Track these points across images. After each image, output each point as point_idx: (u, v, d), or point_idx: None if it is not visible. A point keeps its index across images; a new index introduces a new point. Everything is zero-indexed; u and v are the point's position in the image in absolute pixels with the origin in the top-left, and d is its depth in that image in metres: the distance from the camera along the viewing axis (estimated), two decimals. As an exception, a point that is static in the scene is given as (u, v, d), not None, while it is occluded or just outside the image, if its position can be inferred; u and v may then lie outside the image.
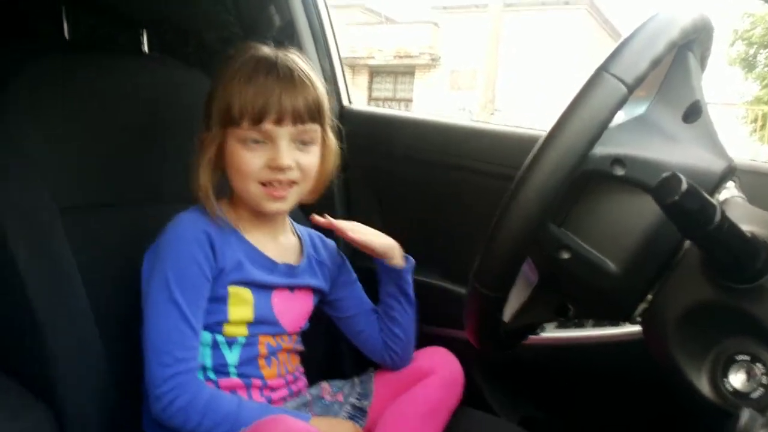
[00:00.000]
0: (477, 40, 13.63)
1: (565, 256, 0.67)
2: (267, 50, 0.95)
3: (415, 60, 16.00)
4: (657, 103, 0.68)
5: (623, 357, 1.13)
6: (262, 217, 0.99)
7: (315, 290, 1.07)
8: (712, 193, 0.68)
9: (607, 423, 1.27)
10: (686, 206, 0.55)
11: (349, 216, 1.43)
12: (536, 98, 14.61)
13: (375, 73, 16.97)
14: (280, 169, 0.91)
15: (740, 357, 0.64)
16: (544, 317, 0.81)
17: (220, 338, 0.95)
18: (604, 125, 0.59)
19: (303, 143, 0.93)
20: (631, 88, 0.60)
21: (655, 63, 0.61)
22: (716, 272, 0.63)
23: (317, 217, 1.05)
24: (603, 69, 0.60)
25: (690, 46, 0.68)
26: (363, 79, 16.79)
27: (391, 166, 1.39)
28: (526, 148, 1.27)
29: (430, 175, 1.34)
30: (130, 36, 1.27)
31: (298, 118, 0.91)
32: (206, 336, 0.94)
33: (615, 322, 1.10)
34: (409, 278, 1.08)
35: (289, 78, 0.91)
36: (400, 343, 1.08)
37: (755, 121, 12.73)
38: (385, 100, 16.66)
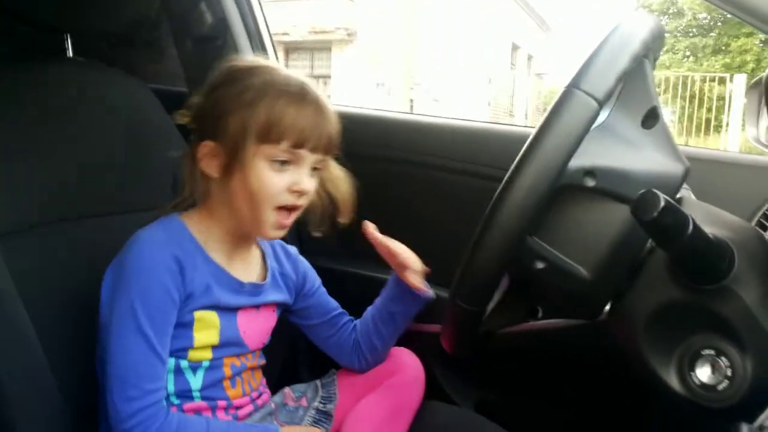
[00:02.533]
0: (393, 14, 13.61)
1: (540, 266, 0.69)
2: (294, 74, 0.94)
3: (331, 35, 15.81)
4: (617, 111, 0.70)
5: (573, 339, 1.18)
6: (235, 236, 0.96)
7: (278, 304, 1.05)
8: (674, 196, 0.71)
9: (558, 400, 1.33)
10: (663, 221, 0.57)
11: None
12: (454, 69, 14.81)
13: (291, 49, 16.69)
14: (302, 193, 0.91)
15: (705, 351, 0.68)
16: (513, 320, 0.83)
17: (183, 363, 0.92)
18: (578, 141, 0.61)
19: (314, 170, 0.93)
20: (602, 103, 0.62)
21: (622, 77, 0.63)
22: (683, 274, 0.66)
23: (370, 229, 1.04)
24: (573, 86, 0.62)
25: (647, 54, 0.70)
26: (279, 56, 16.48)
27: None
28: (480, 142, 1.32)
29: (393, 172, 1.34)
30: (54, 41, 1.19)
31: (326, 149, 0.92)
32: (169, 362, 0.91)
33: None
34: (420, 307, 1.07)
35: (328, 110, 0.92)
36: (375, 353, 1.08)
37: (659, 85, 13.39)
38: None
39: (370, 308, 1.10)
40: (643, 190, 0.58)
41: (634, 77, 0.69)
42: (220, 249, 0.95)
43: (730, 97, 11.76)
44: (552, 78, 17.34)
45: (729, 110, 11.66)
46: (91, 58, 1.34)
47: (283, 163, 0.89)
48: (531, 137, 0.62)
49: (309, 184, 0.91)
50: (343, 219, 1.00)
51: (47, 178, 1.02)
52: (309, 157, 0.91)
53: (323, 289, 1.12)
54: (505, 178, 0.63)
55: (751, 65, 14.96)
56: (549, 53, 19.91)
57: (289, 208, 0.92)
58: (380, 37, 15.30)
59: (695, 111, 12.19)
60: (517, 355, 1.28)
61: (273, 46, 1.48)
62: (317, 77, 16.20)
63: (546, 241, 0.68)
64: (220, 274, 0.94)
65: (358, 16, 15.74)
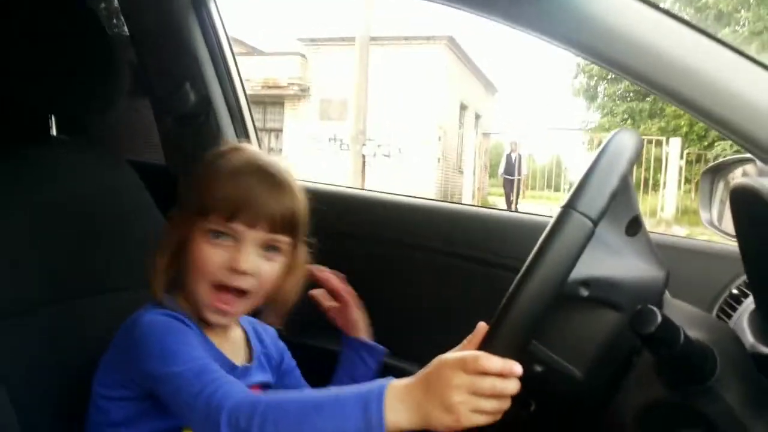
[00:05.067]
0: (346, 72, 13.89)
1: (539, 368, 0.73)
2: (254, 149, 0.93)
3: (284, 90, 15.99)
4: (605, 223, 0.75)
5: None
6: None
7: (263, 385, 1.05)
8: (659, 301, 0.76)
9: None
10: (659, 335, 0.62)
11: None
12: (405, 126, 15.13)
13: (243, 103, 16.72)
14: (239, 272, 0.86)
15: None
16: (506, 413, 0.86)
17: None
18: (576, 258, 0.66)
19: (268, 252, 0.90)
20: (596, 223, 0.67)
21: (613, 196, 0.68)
22: (669, 375, 0.71)
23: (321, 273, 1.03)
24: (570, 206, 0.67)
25: (631, 170, 0.76)
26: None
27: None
28: (461, 224, 1.37)
29: (359, 250, 1.37)
30: (38, 119, 1.20)
31: (271, 225, 0.88)
32: None
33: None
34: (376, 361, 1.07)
35: (273, 181, 0.88)
36: None
37: (598, 145, 13.93)
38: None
39: (333, 382, 1.08)
40: (640, 306, 0.63)
41: (620, 193, 0.75)
42: (212, 331, 0.94)
43: (666, 159, 12.37)
44: (497, 137, 17.87)
45: (666, 171, 12.25)
46: (71, 131, 1.35)
47: (220, 236, 0.86)
48: (533, 254, 0.67)
49: (250, 263, 0.87)
50: (275, 316, 0.98)
51: (29, 262, 1.02)
52: (249, 234, 0.87)
53: (298, 371, 1.11)
54: (509, 292, 0.67)
55: (684, 129, 15.79)
56: (495, 114, 20.61)
57: (230, 290, 0.88)
58: (332, 93, 15.56)
59: (634, 171, 12.75)
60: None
61: (253, 122, 1.51)
62: (269, 130, 16.28)
63: (544, 344, 0.72)
64: (214, 353, 0.92)
65: (312, 72, 16.01)
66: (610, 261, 0.74)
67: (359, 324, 1.07)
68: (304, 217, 0.93)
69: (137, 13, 1.45)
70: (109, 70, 1.13)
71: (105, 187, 1.21)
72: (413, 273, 1.37)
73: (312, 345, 1.39)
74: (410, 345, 1.16)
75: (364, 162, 12.08)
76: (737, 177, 1.11)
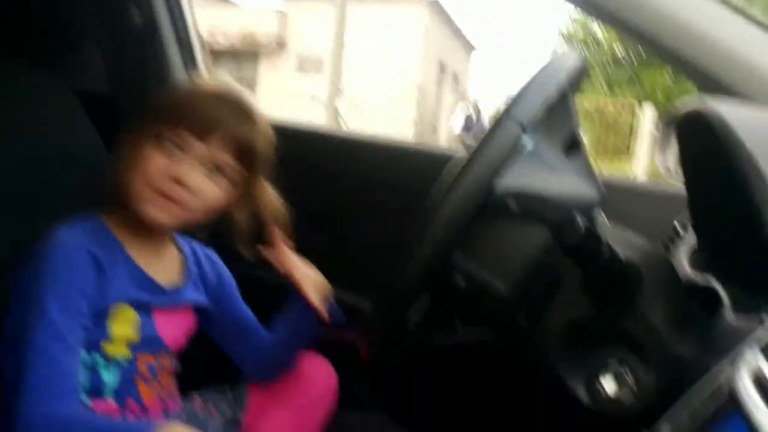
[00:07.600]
0: (324, 29, 13.68)
1: (462, 283, 0.71)
2: (231, 81, 0.92)
3: (261, 44, 15.70)
4: (544, 140, 0.73)
5: (492, 353, 1.21)
6: (149, 231, 0.93)
7: (195, 306, 1.03)
8: (590, 221, 0.75)
9: (475, 409, 1.36)
10: (583, 246, 0.61)
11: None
12: (380, 86, 15.02)
13: (217, 55, 16.41)
14: (176, 179, 0.85)
15: (614, 367, 0.72)
16: (435, 336, 0.85)
17: (98, 359, 0.89)
18: (503, 160, 0.64)
19: (213, 173, 0.88)
20: (526, 128, 0.65)
21: (548, 107, 0.66)
22: (596, 293, 0.71)
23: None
24: (505, 113, 0.65)
25: (571, 88, 0.74)
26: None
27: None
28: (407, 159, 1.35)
29: (319, 185, 1.36)
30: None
31: (222, 145, 0.87)
32: (84, 357, 0.87)
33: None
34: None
35: (232, 102, 0.88)
36: (283, 366, 1.07)
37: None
38: (229, 84, 16.22)
39: (278, 322, 1.07)
40: (564, 216, 0.61)
41: (558, 108, 0.73)
42: (137, 246, 0.93)
43: (634, 125, 12.47)
44: (475, 97, 17.76)
45: (632, 136, 12.35)
46: (12, 54, 1.29)
47: (167, 143, 0.86)
48: (467, 158, 0.65)
49: (191, 177, 0.86)
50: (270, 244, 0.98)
51: None
52: (196, 146, 0.86)
53: (237, 295, 1.09)
54: (438, 195, 0.65)
55: (660, 97, 15.91)
56: (473, 74, 20.46)
57: (168, 197, 0.87)
58: (310, 49, 15.34)
59: (607, 137, 12.89)
60: (437, 366, 1.31)
61: (203, 51, 1.45)
62: (243, 85, 16.04)
63: (470, 259, 0.71)
64: (137, 273, 0.92)
65: (290, 27, 15.73)
66: (543, 176, 0.72)
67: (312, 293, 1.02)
68: (264, 151, 0.92)
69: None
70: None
71: (46, 112, 1.16)
72: (371, 210, 1.35)
73: (257, 275, 1.38)
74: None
75: (338, 118, 11.99)
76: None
